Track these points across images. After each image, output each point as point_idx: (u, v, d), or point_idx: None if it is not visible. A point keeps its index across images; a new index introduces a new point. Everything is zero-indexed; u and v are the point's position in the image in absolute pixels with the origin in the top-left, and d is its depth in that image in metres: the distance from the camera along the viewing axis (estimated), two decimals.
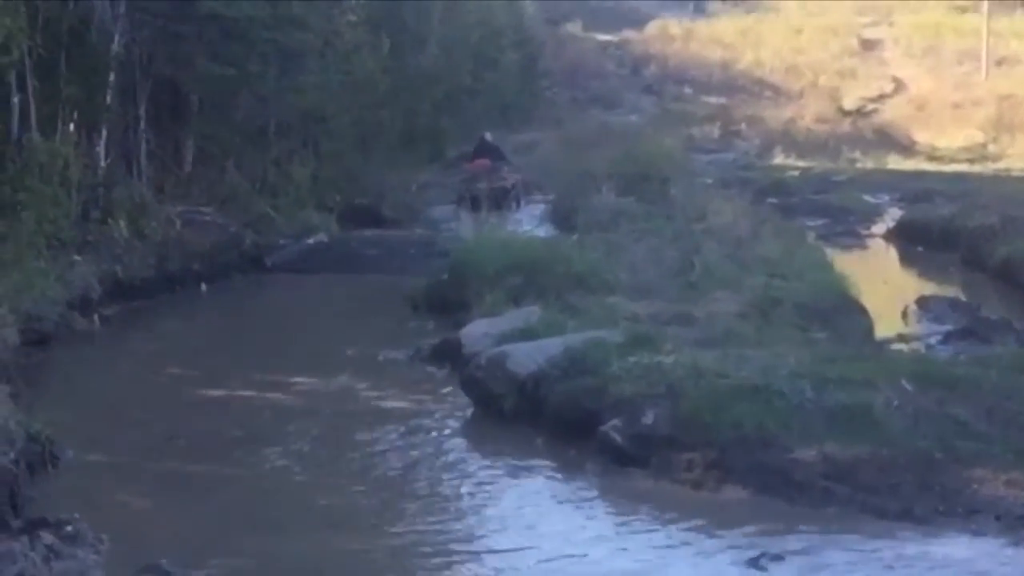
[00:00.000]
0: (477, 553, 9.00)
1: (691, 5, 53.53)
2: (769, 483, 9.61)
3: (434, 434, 11.81)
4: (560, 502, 9.94)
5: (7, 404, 10.82)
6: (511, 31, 38.51)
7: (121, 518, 9.52)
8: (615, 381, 11.11)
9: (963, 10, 49.42)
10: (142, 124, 20.23)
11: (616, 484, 10.09)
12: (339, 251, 21.18)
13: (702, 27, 50.47)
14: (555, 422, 11.24)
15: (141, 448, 11.34)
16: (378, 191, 25.43)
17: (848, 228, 25.52)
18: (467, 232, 18.64)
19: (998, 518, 8.86)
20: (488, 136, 27.54)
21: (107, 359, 15.01)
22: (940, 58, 45.63)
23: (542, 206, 25.38)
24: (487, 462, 11.02)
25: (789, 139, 37.46)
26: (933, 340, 14.97)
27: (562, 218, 22.82)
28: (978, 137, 37.22)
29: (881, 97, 43.56)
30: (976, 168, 32.85)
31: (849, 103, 43.03)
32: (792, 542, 8.74)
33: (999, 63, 43.88)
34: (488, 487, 10.39)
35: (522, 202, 26.01)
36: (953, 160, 34.66)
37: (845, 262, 18.54)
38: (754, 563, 8.44)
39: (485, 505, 10.03)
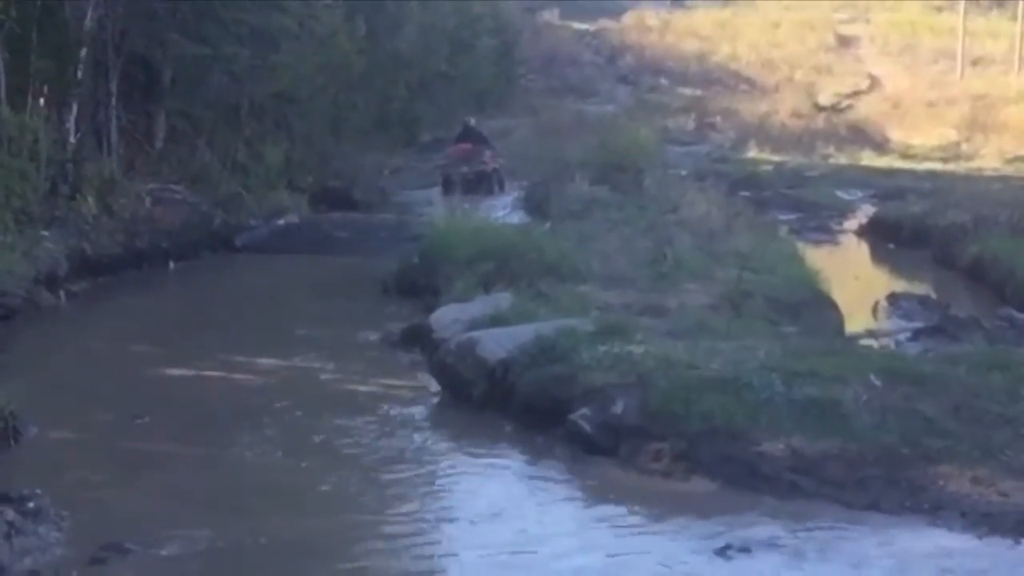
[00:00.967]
0: (438, 539, 8.97)
1: None
2: (737, 475, 9.60)
3: (402, 419, 11.74)
4: (528, 489, 9.89)
5: None
6: (488, 18, 38.46)
7: (83, 495, 9.44)
8: (585, 370, 11.08)
9: (939, 9, 49.74)
10: (113, 100, 20.09)
11: (584, 472, 10.05)
12: (310, 233, 21.10)
13: (679, 18, 50.62)
14: (524, 409, 11.19)
15: (105, 425, 11.27)
16: (351, 174, 25.38)
17: (820, 223, 25.58)
18: (439, 216, 18.54)
19: (963, 514, 8.87)
20: (472, 121, 27.52)
21: (73, 335, 14.88)
22: (916, 56, 45.91)
23: (518, 192, 25.37)
24: (455, 448, 10.97)
25: (764, 133, 37.53)
26: (902, 337, 15.02)
27: (535, 206, 22.78)
28: (952, 136, 37.37)
29: (856, 94, 43.73)
30: (949, 167, 32.97)
31: (824, 99, 43.18)
32: (759, 533, 8.73)
33: (974, 63, 44.17)
34: (455, 473, 10.34)
35: (506, 185, 26.00)
36: (926, 158, 34.79)
37: (817, 257, 18.56)
38: (721, 553, 8.44)
39: (451, 491, 9.98)
